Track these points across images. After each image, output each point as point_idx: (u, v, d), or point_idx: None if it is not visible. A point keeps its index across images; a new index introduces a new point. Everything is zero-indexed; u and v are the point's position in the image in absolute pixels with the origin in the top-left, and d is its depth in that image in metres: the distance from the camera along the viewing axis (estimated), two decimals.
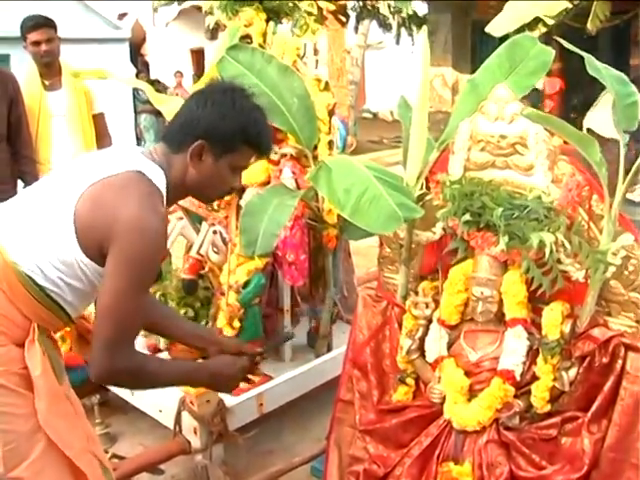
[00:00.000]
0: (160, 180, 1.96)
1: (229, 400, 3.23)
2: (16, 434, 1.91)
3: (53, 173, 2.14)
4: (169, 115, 4.24)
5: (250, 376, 2.32)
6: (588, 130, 5.99)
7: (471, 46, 12.18)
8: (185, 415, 3.14)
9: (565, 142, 2.61)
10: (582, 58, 2.57)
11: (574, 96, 11.25)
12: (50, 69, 4.47)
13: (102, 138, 4.69)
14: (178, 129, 2.05)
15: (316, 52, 4.24)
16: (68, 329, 2.71)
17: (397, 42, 16.78)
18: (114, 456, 3.29)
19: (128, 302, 1.87)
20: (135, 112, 10.66)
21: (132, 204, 1.85)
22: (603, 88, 2.62)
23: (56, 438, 1.95)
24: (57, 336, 2.24)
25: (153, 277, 2.01)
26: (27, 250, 1.93)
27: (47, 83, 4.49)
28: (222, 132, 1.99)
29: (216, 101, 2.02)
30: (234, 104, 2.01)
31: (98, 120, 4.69)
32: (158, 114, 10.45)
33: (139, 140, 10.90)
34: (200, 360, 2.41)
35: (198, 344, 2.38)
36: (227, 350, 2.31)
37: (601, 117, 7.14)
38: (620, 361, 2.46)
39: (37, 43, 4.34)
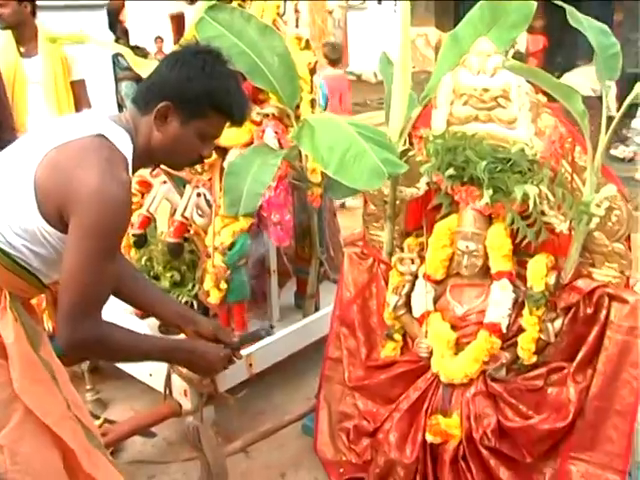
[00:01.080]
0: (125, 144, 1.89)
1: None
2: None
3: (19, 140, 2.05)
4: None
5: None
6: None
7: (454, 5, 12.09)
8: (175, 378, 3.15)
9: (549, 100, 2.60)
10: (565, 15, 2.55)
11: (557, 54, 11.21)
12: (25, 34, 4.38)
13: (81, 105, 4.61)
14: (145, 90, 1.98)
15: (297, 12, 4.17)
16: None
17: (379, 2, 16.60)
18: (106, 421, 3.30)
19: (90, 272, 1.81)
20: (115, 80, 10.51)
21: (91, 172, 1.77)
22: (586, 45, 2.60)
23: (33, 406, 1.93)
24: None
25: (117, 246, 1.93)
26: None
27: (22, 50, 4.41)
28: (188, 95, 1.91)
29: (186, 63, 1.94)
30: (204, 67, 1.93)
31: (77, 87, 4.61)
32: (139, 81, 10.32)
33: (120, 108, 10.77)
34: (181, 337, 2.36)
35: (174, 321, 2.31)
36: (203, 333, 2.25)
37: (577, 77, 7.15)
38: (604, 311, 2.49)
39: None
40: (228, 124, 2.04)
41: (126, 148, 1.88)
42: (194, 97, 1.92)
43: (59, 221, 1.84)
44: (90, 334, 1.86)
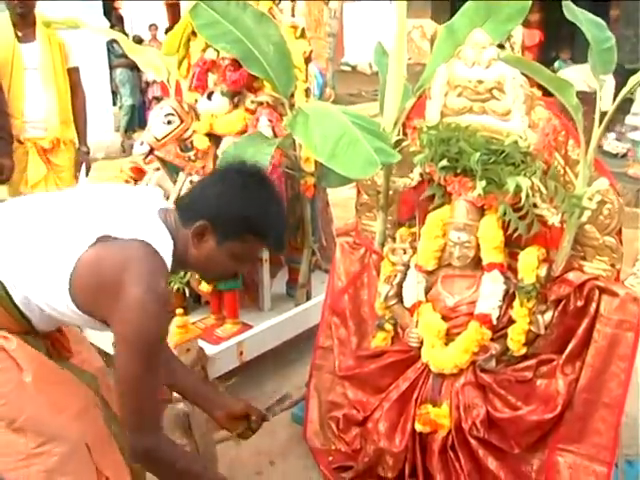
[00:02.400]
0: (167, 251, 1.88)
1: (210, 349, 3.25)
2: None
3: (65, 197, 2.05)
4: (144, 66, 4.19)
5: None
6: None
7: None
8: None
9: (543, 94, 2.61)
10: (562, 10, 2.55)
11: (553, 49, 11.21)
12: (24, 20, 4.35)
13: (76, 93, 4.61)
14: (188, 202, 1.98)
15: (294, 2, 4.16)
16: None
17: None
18: None
19: (140, 387, 1.84)
20: (110, 67, 10.46)
21: (135, 288, 1.76)
22: (582, 40, 2.61)
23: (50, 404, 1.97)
24: None
25: (160, 355, 1.93)
26: (18, 277, 1.90)
27: (20, 35, 4.38)
28: (226, 218, 1.91)
29: (227, 182, 1.94)
30: (245, 191, 1.92)
31: (72, 74, 4.60)
32: (133, 68, 10.28)
33: (115, 95, 10.74)
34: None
35: (203, 405, 2.34)
36: (234, 413, 2.30)
37: (573, 73, 7.17)
38: (594, 304, 2.50)
39: None
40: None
41: (168, 255, 1.88)
42: (231, 221, 1.91)
43: (90, 311, 1.88)
44: (150, 447, 1.89)
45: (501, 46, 2.81)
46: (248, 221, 1.92)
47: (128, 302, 1.76)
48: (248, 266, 2.06)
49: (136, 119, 10.88)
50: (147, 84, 11.10)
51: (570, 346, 2.54)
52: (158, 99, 9.66)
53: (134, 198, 2.01)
